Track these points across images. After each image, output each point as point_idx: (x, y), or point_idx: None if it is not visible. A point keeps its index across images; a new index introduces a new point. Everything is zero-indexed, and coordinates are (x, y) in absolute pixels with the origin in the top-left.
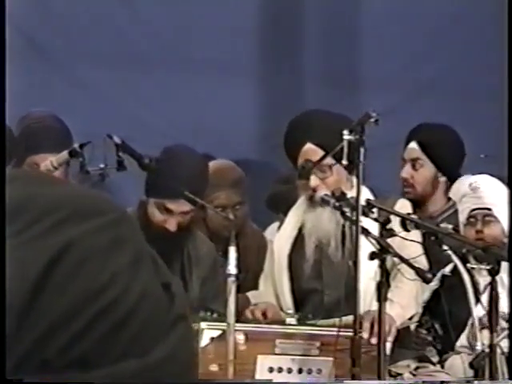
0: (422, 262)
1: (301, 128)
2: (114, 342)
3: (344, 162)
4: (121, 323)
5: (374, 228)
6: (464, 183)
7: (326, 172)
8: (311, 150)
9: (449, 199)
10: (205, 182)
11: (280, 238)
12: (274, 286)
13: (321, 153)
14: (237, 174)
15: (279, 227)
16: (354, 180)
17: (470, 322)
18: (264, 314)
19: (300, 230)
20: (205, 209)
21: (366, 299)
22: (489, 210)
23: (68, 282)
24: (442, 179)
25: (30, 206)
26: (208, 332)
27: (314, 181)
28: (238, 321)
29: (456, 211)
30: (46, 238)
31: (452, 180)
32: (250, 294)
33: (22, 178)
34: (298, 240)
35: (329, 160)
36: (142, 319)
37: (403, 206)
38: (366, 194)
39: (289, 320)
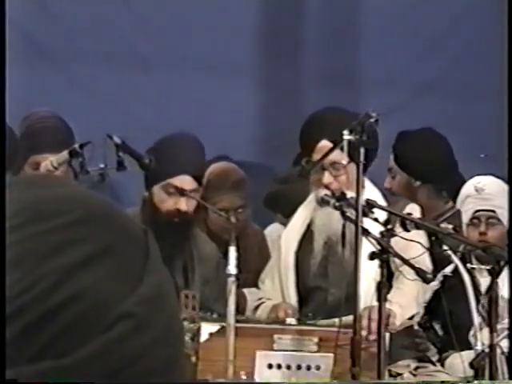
0: (425, 263)
1: (317, 124)
2: (27, 343)
3: (344, 161)
4: (37, 324)
5: (378, 228)
6: (469, 184)
7: (340, 170)
8: (327, 147)
9: (446, 203)
10: (203, 157)
11: (288, 235)
12: (280, 282)
13: (336, 150)
14: (239, 177)
15: (287, 224)
16: (366, 181)
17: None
18: (286, 313)
19: (308, 227)
20: (207, 210)
21: (368, 299)
22: (493, 211)
23: None
24: (417, 184)
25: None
26: (206, 328)
27: (327, 178)
28: (237, 321)
29: (453, 214)
30: None
31: (437, 184)
32: (246, 291)
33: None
34: (306, 237)
35: (343, 158)
36: (68, 320)
37: (412, 209)
38: (377, 196)
39: (289, 320)
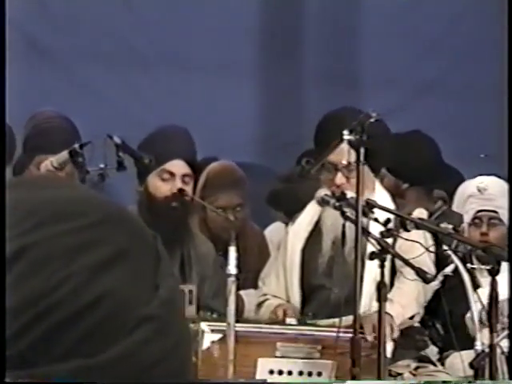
0: (427, 264)
1: (334, 124)
2: (55, 343)
3: (344, 161)
4: (65, 325)
5: (380, 228)
6: (471, 184)
7: (353, 171)
8: (343, 147)
9: (435, 203)
10: (193, 145)
11: (295, 232)
12: (285, 278)
13: (349, 150)
14: (238, 176)
15: (288, 223)
16: (376, 183)
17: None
18: (285, 314)
19: (316, 226)
20: (205, 209)
21: (370, 300)
22: (495, 212)
23: (17, 283)
24: (405, 186)
25: (15, 211)
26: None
27: (340, 178)
28: (238, 321)
29: (443, 213)
30: (13, 242)
31: (425, 186)
32: (243, 293)
33: (13, 183)
34: (314, 235)
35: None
36: (94, 321)
37: (420, 213)
38: (386, 200)
39: (289, 320)
